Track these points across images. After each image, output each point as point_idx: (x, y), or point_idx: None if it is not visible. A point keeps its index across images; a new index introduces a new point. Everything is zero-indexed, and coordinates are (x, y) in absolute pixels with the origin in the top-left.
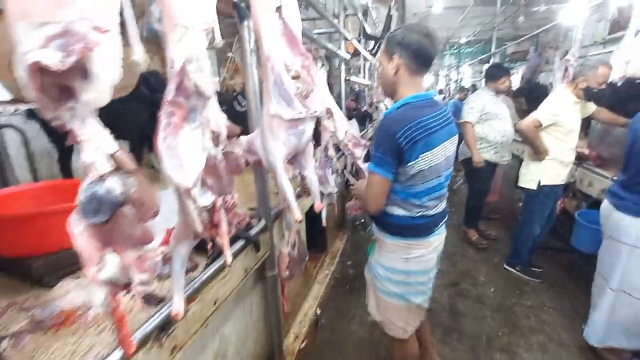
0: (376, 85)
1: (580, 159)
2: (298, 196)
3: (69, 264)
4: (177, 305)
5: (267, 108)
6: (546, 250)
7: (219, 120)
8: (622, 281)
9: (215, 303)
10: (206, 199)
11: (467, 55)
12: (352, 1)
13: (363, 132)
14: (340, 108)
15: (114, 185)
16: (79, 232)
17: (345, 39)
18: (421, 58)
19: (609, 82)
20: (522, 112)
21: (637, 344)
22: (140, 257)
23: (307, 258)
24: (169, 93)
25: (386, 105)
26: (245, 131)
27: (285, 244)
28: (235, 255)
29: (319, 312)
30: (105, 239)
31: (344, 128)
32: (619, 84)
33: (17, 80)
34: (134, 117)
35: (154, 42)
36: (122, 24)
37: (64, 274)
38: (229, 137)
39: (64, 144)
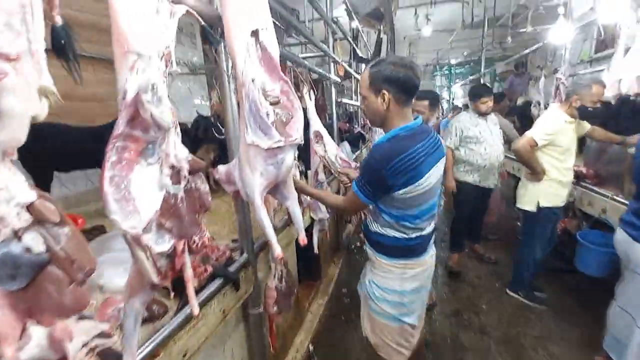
0: None
1: (578, 178)
2: (286, 225)
3: None
4: None
5: (243, 137)
6: (549, 272)
7: (179, 153)
8: None
9: (185, 355)
10: (163, 244)
11: (458, 75)
12: (340, 25)
13: (357, 153)
14: (332, 130)
15: (34, 242)
16: None
17: (336, 62)
18: (408, 90)
19: (603, 100)
20: (517, 131)
21: None
22: (106, 302)
23: (295, 291)
24: (119, 126)
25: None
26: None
27: (272, 277)
28: (212, 296)
29: (312, 348)
30: (27, 309)
31: (334, 152)
32: (613, 102)
33: None
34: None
35: None
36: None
37: None
38: (193, 172)
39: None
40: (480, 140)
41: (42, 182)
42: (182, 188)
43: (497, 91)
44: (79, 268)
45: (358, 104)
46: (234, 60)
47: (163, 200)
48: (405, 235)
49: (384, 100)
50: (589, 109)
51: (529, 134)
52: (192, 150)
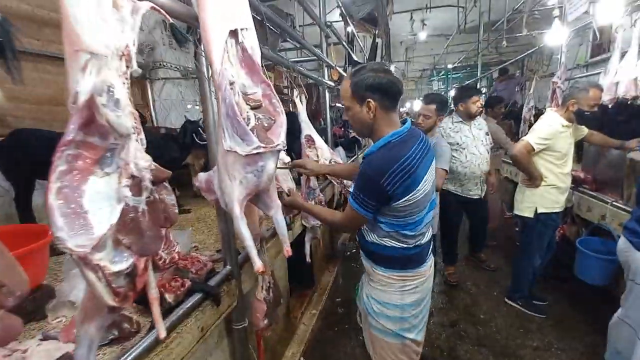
0: None
1: (576, 183)
2: (275, 233)
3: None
4: None
5: (221, 143)
6: (548, 280)
7: (141, 162)
8: None
9: None
10: (121, 262)
11: (454, 80)
12: (335, 30)
13: (353, 158)
14: (326, 135)
15: None
16: None
17: (330, 66)
18: (392, 95)
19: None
20: (513, 135)
21: None
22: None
23: (281, 301)
24: (69, 132)
25: None
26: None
27: (260, 289)
28: (189, 312)
29: None
30: None
31: (327, 156)
32: (610, 106)
33: None
34: (172, 152)
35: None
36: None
37: None
38: (157, 182)
39: (22, 182)
40: (462, 147)
41: (24, 191)
42: (143, 200)
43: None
44: (8, 292)
45: None
46: (210, 62)
47: (121, 213)
48: (404, 245)
49: (369, 109)
50: (586, 112)
51: (525, 138)
52: (182, 156)
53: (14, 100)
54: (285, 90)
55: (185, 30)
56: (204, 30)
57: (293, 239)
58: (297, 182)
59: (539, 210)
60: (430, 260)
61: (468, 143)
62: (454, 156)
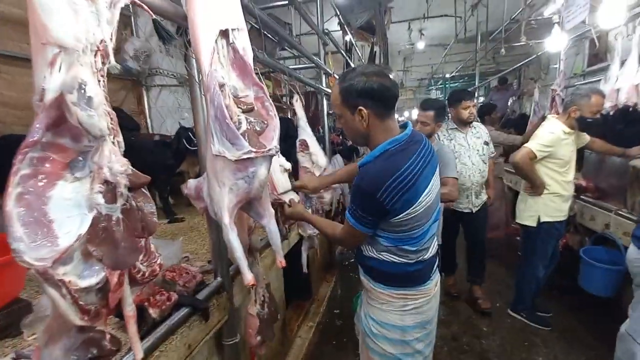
0: None
1: (578, 191)
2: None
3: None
4: None
5: (210, 148)
6: (551, 290)
7: (116, 166)
8: None
9: None
10: (91, 277)
11: (453, 89)
12: (332, 38)
13: None
14: (324, 142)
15: None
16: None
17: (328, 74)
18: (387, 100)
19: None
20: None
21: None
22: None
23: (279, 316)
24: (34, 133)
25: None
26: None
27: (253, 303)
28: (175, 328)
29: None
30: None
31: (322, 162)
32: (612, 113)
33: None
34: (166, 159)
35: (129, 79)
36: None
37: None
38: (134, 188)
39: None
40: (455, 156)
41: None
42: (118, 208)
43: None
44: None
45: None
46: (199, 62)
47: (92, 222)
48: (404, 260)
49: (362, 117)
50: (588, 119)
51: (527, 145)
52: (176, 163)
53: (3, 105)
54: (284, 99)
55: (175, 31)
56: (192, 29)
57: (289, 249)
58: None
59: (542, 219)
60: (436, 278)
61: (461, 152)
62: None
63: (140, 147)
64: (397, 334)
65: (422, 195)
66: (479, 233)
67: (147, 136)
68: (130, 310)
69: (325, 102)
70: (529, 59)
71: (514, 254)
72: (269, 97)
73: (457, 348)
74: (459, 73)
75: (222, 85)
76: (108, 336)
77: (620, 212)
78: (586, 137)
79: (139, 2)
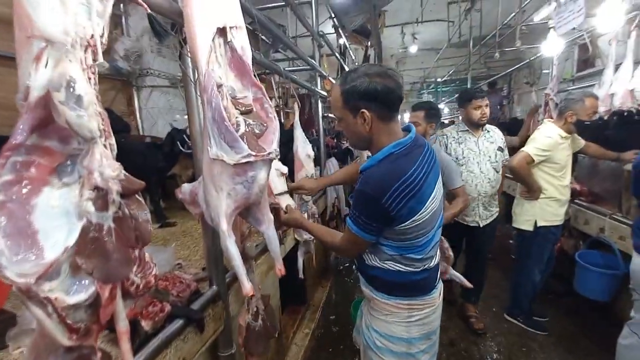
0: None
1: (572, 195)
2: (266, 249)
3: None
4: None
5: (207, 151)
6: (547, 294)
7: (107, 171)
8: None
9: None
10: (80, 292)
11: (444, 93)
12: (327, 40)
13: None
14: (319, 145)
15: None
16: None
17: (322, 76)
18: (391, 102)
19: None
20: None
21: None
22: None
23: (276, 332)
24: (17, 134)
25: None
26: None
27: (246, 312)
28: (169, 341)
29: None
30: None
31: (311, 152)
32: (606, 117)
33: None
34: (157, 162)
35: (119, 79)
36: None
37: None
38: (127, 194)
39: None
40: (460, 162)
41: None
42: (110, 216)
43: None
44: None
45: None
46: (195, 61)
47: (81, 232)
48: (410, 269)
49: (364, 120)
50: (586, 122)
51: (524, 150)
52: (167, 165)
53: None
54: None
55: (169, 27)
56: (188, 27)
57: (285, 254)
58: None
59: (539, 224)
60: (440, 286)
61: (469, 158)
62: None
63: (130, 149)
64: (402, 347)
65: (428, 202)
66: (483, 250)
67: (137, 138)
68: (123, 326)
69: (320, 104)
70: (523, 63)
71: (507, 257)
72: (268, 99)
73: (455, 354)
74: (450, 77)
75: (219, 86)
76: (99, 354)
77: (615, 216)
78: (581, 142)
79: None
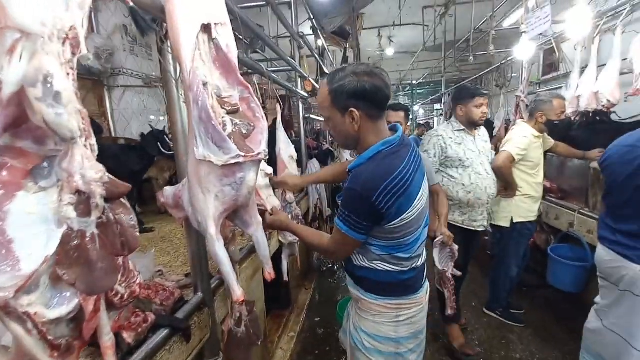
0: None
1: (543, 192)
2: (252, 251)
3: None
4: None
5: (193, 152)
6: (521, 287)
7: (89, 173)
8: None
9: None
10: (61, 305)
11: (419, 95)
12: (307, 41)
13: None
14: (301, 146)
15: None
16: None
17: (303, 77)
18: (379, 101)
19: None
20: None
21: None
22: None
23: (259, 340)
24: None
25: None
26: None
27: (229, 316)
28: (153, 353)
29: None
30: None
31: (294, 153)
32: (573, 118)
33: None
34: (132, 165)
35: (89, 79)
36: None
37: None
38: (112, 198)
39: None
40: (465, 164)
41: None
42: (93, 222)
43: None
44: None
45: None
46: (179, 59)
47: (62, 240)
48: (398, 268)
49: (353, 119)
50: (555, 122)
51: (506, 149)
52: (143, 169)
53: None
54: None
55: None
56: (171, 23)
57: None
58: None
59: (515, 220)
60: (426, 286)
61: (472, 159)
62: (453, 177)
63: (103, 152)
64: (391, 347)
65: (416, 200)
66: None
67: (110, 140)
68: (107, 341)
69: (300, 105)
70: (494, 66)
71: (484, 253)
72: (255, 98)
73: (439, 350)
74: (425, 80)
75: (204, 84)
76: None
77: (583, 211)
78: (550, 141)
79: None
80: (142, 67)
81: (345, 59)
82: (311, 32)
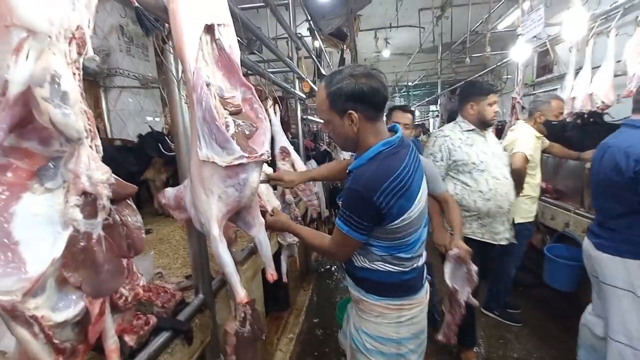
0: None
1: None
2: (252, 252)
3: None
4: None
5: (196, 152)
6: (517, 287)
7: (96, 174)
8: (618, 330)
9: None
10: (67, 308)
11: (415, 97)
12: (304, 42)
13: None
14: (299, 147)
15: None
16: None
17: (301, 78)
18: (378, 102)
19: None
20: None
21: None
22: None
23: (263, 334)
24: None
25: None
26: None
27: (233, 319)
28: (155, 356)
29: None
30: None
31: (301, 166)
32: (568, 119)
33: None
34: (129, 166)
35: (85, 79)
36: None
37: None
38: (118, 199)
39: None
40: (479, 168)
41: None
42: (99, 223)
43: None
44: None
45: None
46: (182, 60)
47: (68, 242)
48: (400, 269)
49: (352, 121)
50: (553, 122)
51: (520, 151)
52: (140, 170)
53: None
54: None
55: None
56: (174, 23)
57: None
58: None
59: (516, 221)
60: (426, 286)
61: (487, 162)
62: (467, 184)
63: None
64: (392, 348)
65: (416, 200)
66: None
67: (107, 141)
68: (112, 344)
69: (298, 106)
70: (490, 68)
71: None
72: (258, 99)
73: (438, 350)
74: (421, 81)
75: (207, 85)
76: None
77: (578, 211)
78: (546, 142)
79: None
80: (138, 67)
81: (342, 60)
82: (308, 33)
